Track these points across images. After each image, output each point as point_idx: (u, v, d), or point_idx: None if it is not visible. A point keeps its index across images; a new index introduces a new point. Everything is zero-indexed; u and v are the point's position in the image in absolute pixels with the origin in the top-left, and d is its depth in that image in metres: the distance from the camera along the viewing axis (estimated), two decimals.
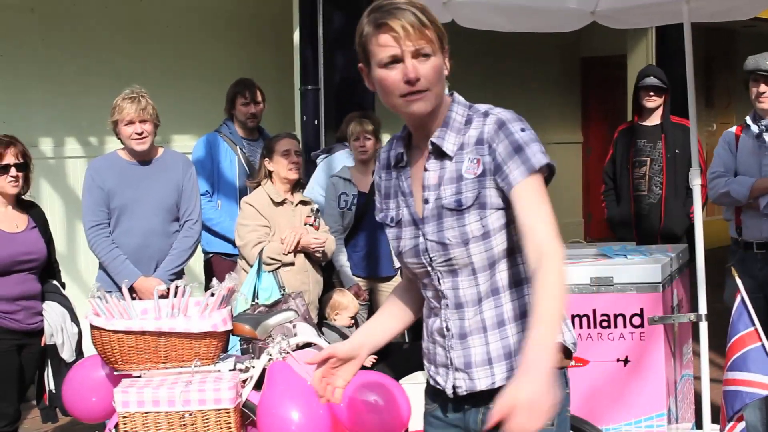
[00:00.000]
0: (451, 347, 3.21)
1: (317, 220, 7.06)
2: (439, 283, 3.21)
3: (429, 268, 3.21)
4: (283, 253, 6.80)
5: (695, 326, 5.72)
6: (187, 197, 6.66)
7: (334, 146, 8.72)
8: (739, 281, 5.34)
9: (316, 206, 7.16)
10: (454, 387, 3.24)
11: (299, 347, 5.76)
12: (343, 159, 8.33)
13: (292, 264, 6.87)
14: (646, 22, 7.51)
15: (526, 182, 3.01)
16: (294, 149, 7.00)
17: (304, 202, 7.11)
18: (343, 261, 7.79)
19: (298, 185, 7.13)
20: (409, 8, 3.07)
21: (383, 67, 3.08)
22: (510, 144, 3.05)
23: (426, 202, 3.18)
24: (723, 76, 17.25)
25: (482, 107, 3.18)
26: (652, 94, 8.09)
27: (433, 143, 3.16)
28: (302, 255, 6.95)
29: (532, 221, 2.97)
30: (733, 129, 6.70)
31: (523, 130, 3.09)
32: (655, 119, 8.19)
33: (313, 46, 9.67)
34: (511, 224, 3.10)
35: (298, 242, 6.86)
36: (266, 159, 7.02)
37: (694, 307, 5.64)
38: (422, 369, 6.32)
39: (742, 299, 5.23)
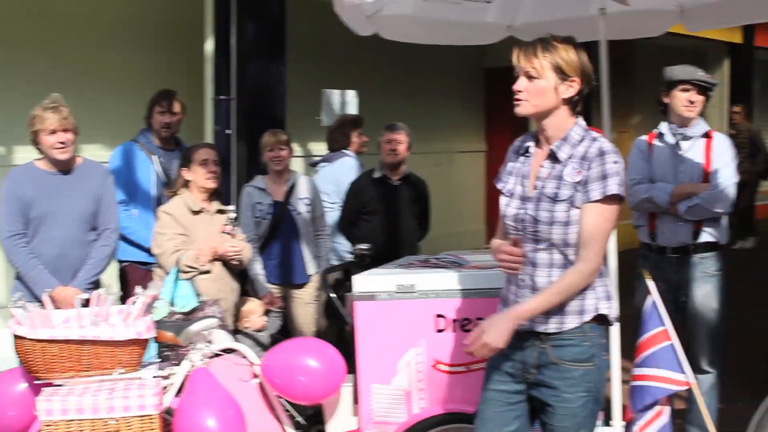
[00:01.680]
0: (523, 295, 4.37)
1: (234, 228, 7.13)
2: (523, 245, 4.36)
3: (521, 232, 4.37)
4: (200, 265, 6.85)
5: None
6: (106, 206, 6.66)
7: (332, 155, 9.11)
8: (650, 283, 5.51)
9: (233, 215, 7.22)
10: (519, 325, 4.31)
11: (218, 353, 5.83)
12: (347, 165, 8.92)
13: (209, 272, 6.92)
14: None
15: (598, 204, 4.23)
16: (212, 159, 7.07)
17: (221, 211, 7.17)
18: (258, 269, 7.88)
19: (215, 194, 7.18)
20: (538, 42, 4.33)
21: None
22: (602, 170, 4.23)
23: (535, 188, 4.36)
24: (622, 85, 17.55)
25: (594, 134, 4.37)
26: None
27: (551, 150, 4.35)
28: (219, 263, 7.00)
29: (585, 238, 4.23)
30: (645, 137, 6.88)
31: (615, 162, 4.26)
32: None
33: (226, 56, 9.69)
34: None
35: (215, 250, 6.92)
36: (184, 168, 7.08)
37: None
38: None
39: (653, 300, 5.40)
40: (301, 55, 11.51)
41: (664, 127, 6.76)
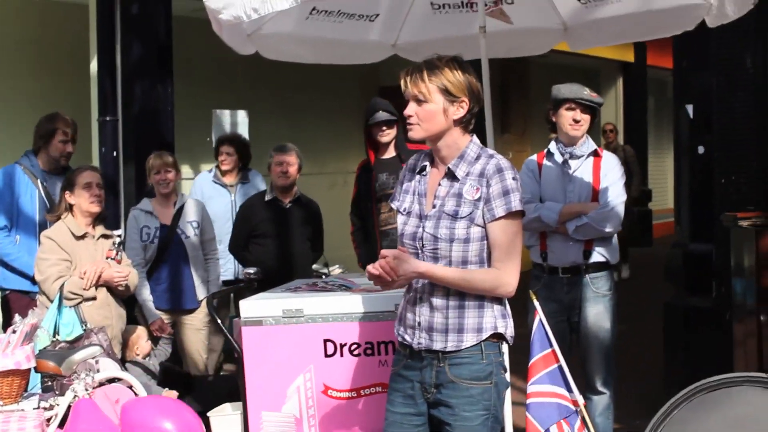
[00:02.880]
0: (421, 313, 4.41)
1: (119, 253, 6.95)
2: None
3: (419, 251, 4.40)
4: (84, 288, 6.67)
5: None
6: None
7: None
8: (537, 303, 5.46)
9: (118, 239, 7.05)
10: (418, 343, 4.40)
11: (104, 383, 5.68)
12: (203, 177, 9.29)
13: (94, 298, 6.73)
14: None
15: (503, 221, 4.31)
16: (96, 182, 6.88)
17: (105, 236, 6.98)
18: (146, 295, 7.72)
19: (99, 218, 6.99)
20: (423, 66, 4.37)
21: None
22: (502, 187, 4.31)
23: (434, 206, 4.41)
24: (518, 104, 17.63)
25: (490, 151, 4.46)
26: (384, 128, 7.92)
27: (449, 168, 4.39)
28: (104, 289, 6.82)
29: (499, 254, 4.33)
30: (535, 157, 6.84)
31: (513, 179, 4.35)
32: (392, 151, 8.04)
33: (111, 76, 9.51)
34: (486, 240, 4.34)
35: (100, 276, 6.74)
36: (67, 192, 6.88)
37: None
38: (230, 401, 6.37)
39: (541, 321, 5.36)
40: (190, 75, 11.36)
41: (552, 146, 6.73)
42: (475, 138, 4.49)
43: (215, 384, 7.54)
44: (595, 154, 6.66)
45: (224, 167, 9.27)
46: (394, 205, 4.62)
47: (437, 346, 4.37)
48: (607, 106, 21.29)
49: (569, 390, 5.33)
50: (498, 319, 4.41)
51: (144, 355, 7.32)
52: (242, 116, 12.34)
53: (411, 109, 4.38)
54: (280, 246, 8.06)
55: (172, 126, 9.93)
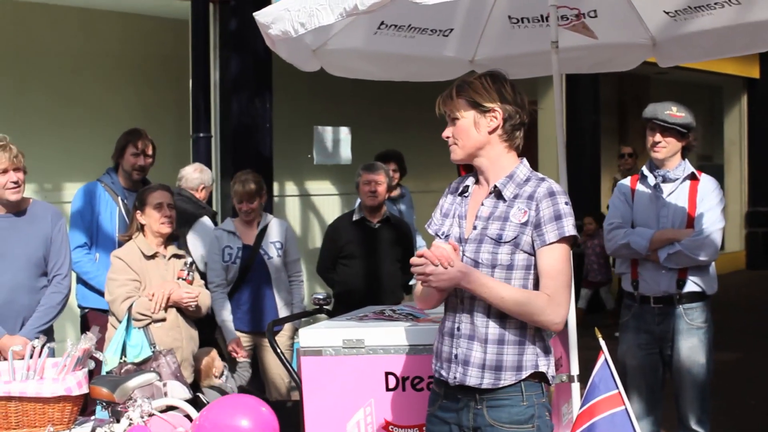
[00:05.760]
0: (458, 345, 4.14)
1: (191, 273, 6.76)
2: (462, 291, 4.10)
3: None
4: (153, 312, 6.49)
5: None
6: (56, 251, 6.38)
7: None
8: (602, 342, 5.12)
9: (190, 260, 6.87)
10: (453, 378, 4.13)
11: (164, 410, 5.50)
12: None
13: (163, 320, 6.56)
14: (524, 73, 7.17)
15: (553, 246, 4.01)
16: (167, 202, 6.70)
17: (177, 256, 6.82)
18: (225, 316, 7.56)
19: (171, 238, 6.83)
20: (455, 84, 4.26)
21: None
22: (554, 211, 4.02)
23: (474, 228, 4.14)
24: (636, 122, 17.20)
25: (540, 175, 4.18)
26: None
27: (496, 187, 4.13)
28: (174, 310, 6.62)
29: (547, 281, 4.02)
30: (628, 180, 6.56)
31: (566, 203, 4.07)
32: None
33: (205, 92, 9.42)
34: (532, 269, 4.06)
35: (169, 297, 6.56)
36: (138, 211, 6.72)
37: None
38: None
39: (606, 361, 5.01)
40: (290, 90, 11.21)
41: (645, 168, 6.41)
42: (524, 160, 4.24)
43: (294, 410, 7.32)
44: (693, 177, 6.31)
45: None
46: (431, 229, 4.37)
47: (471, 381, 4.09)
48: (731, 123, 20.66)
49: None
50: (540, 357, 4.12)
51: (219, 374, 7.11)
52: (344, 133, 12.17)
53: (448, 130, 4.25)
54: (367, 267, 7.87)
55: (270, 142, 9.82)
